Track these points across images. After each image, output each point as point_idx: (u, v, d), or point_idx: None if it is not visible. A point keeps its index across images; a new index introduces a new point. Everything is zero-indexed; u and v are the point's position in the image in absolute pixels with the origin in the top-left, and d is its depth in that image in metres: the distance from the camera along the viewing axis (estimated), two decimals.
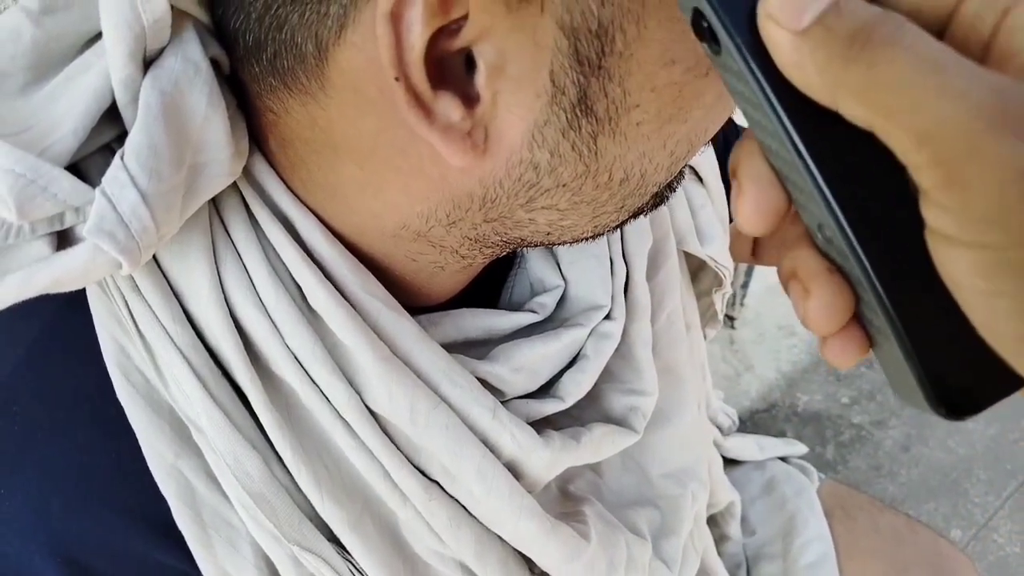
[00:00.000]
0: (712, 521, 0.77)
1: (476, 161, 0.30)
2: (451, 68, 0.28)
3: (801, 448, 0.90)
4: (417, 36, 0.26)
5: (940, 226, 0.20)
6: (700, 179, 0.56)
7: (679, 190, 0.54)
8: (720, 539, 0.79)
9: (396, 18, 0.26)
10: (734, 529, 0.78)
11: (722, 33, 0.21)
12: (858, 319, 0.23)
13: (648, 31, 0.27)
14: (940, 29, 0.21)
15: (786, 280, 0.24)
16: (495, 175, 0.32)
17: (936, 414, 0.22)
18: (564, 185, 0.32)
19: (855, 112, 0.20)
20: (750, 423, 1.52)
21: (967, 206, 0.18)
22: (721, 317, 0.67)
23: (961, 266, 0.19)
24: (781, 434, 1.49)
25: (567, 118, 0.29)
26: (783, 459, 0.88)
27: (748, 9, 0.21)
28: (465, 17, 0.26)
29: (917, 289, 0.21)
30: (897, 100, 0.19)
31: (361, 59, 0.28)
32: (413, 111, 0.28)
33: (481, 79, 0.28)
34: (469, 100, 0.29)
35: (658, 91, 0.29)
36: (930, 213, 0.20)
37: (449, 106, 0.28)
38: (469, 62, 0.28)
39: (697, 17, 0.22)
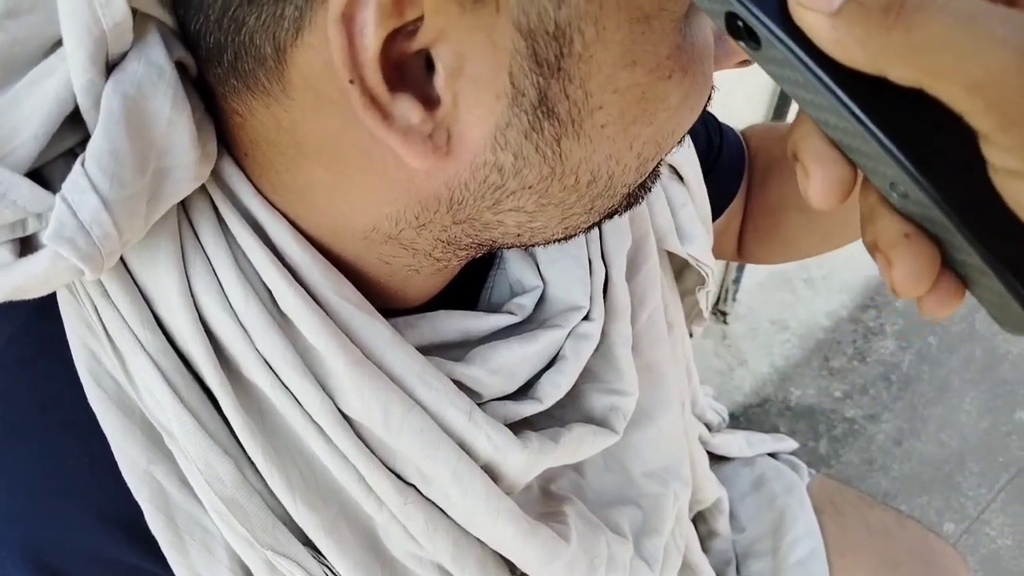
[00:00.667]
0: (700, 517, 0.78)
1: (439, 163, 0.30)
2: (410, 70, 0.28)
3: (790, 444, 0.90)
4: (370, 38, 0.26)
5: (1004, 164, 0.20)
6: (680, 178, 0.56)
7: (659, 189, 0.54)
8: (709, 535, 0.79)
9: (348, 20, 0.26)
10: (723, 525, 0.78)
11: (759, 28, 0.22)
12: (947, 267, 0.24)
13: (607, 32, 0.27)
14: None
15: (871, 251, 0.25)
16: (460, 177, 0.32)
17: None
18: (530, 187, 0.32)
19: (903, 75, 0.21)
20: (743, 418, 1.52)
21: None
22: (707, 315, 0.67)
23: None
24: (774, 429, 1.49)
25: (529, 120, 0.29)
26: (772, 455, 0.88)
27: (778, 2, 0.22)
28: (421, 19, 0.26)
29: (997, 221, 0.22)
30: (941, 57, 0.20)
31: (319, 61, 0.28)
32: (369, 113, 0.28)
33: (440, 81, 0.28)
34: (430, 102, 0.29)
35: (621, 93, 0.29)
36: (992, 153, 0.21)
37: (407, 108, 0.28)
38: (429, 64, 0.28)
39: (731, 19, 0.23)
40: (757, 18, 0.22)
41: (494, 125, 0.29)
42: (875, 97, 0.22)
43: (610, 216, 0.37)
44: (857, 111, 0.22)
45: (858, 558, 0.79)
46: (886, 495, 1.43)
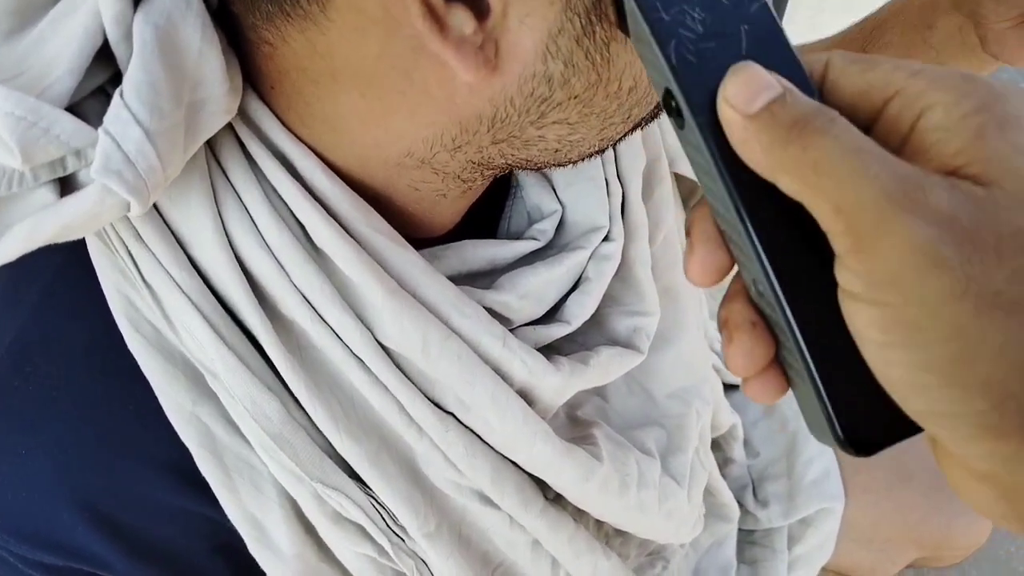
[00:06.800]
0: (715, 445, 0.78)
1: (487, 78, 0.30)
2: None
3: None
4: None
5: (849, 286, 0.22)
6: None
7: None
8: (725, 463, 0.80)
9: None
10: (737, 451, 0.79)
11: (686, 112, 0.25)
12: (780, 364, 0.26)
13: None
14: (870, 124, 0.24)
15: (721, 325, 0.27)
16: (506, 92, 0.31)
17: (842, 450, 0.25)
18: (576, 97, 0.32)
19: (789, 186, 0.23)
20: None
21: (872, 270, 0.22)
22: None
23: (863, 320, 0.22)
24: None
25: (581, 24, 0.29)
26: None
27: (710, 93, 0.24)
28: None
29: (830, 339, 0.24)
30: (822, 178, 0.22)
31: None
32: (427, 23, 0.28)
33: None
34: (480, 13, 0.28)
35: None
36: (841, 275, 0.23)
37: (462, 18, 0.28)
38: None
39: (667, 96, 0.25)
40: (687, 102, 0.24)
41: (546, 32, 0.29)
42: (760, 201, 0.24)
43: (637, 127, 0.37)
44: (740, 207, 0.24)
45: (872, 473, 0.80)
46: None
